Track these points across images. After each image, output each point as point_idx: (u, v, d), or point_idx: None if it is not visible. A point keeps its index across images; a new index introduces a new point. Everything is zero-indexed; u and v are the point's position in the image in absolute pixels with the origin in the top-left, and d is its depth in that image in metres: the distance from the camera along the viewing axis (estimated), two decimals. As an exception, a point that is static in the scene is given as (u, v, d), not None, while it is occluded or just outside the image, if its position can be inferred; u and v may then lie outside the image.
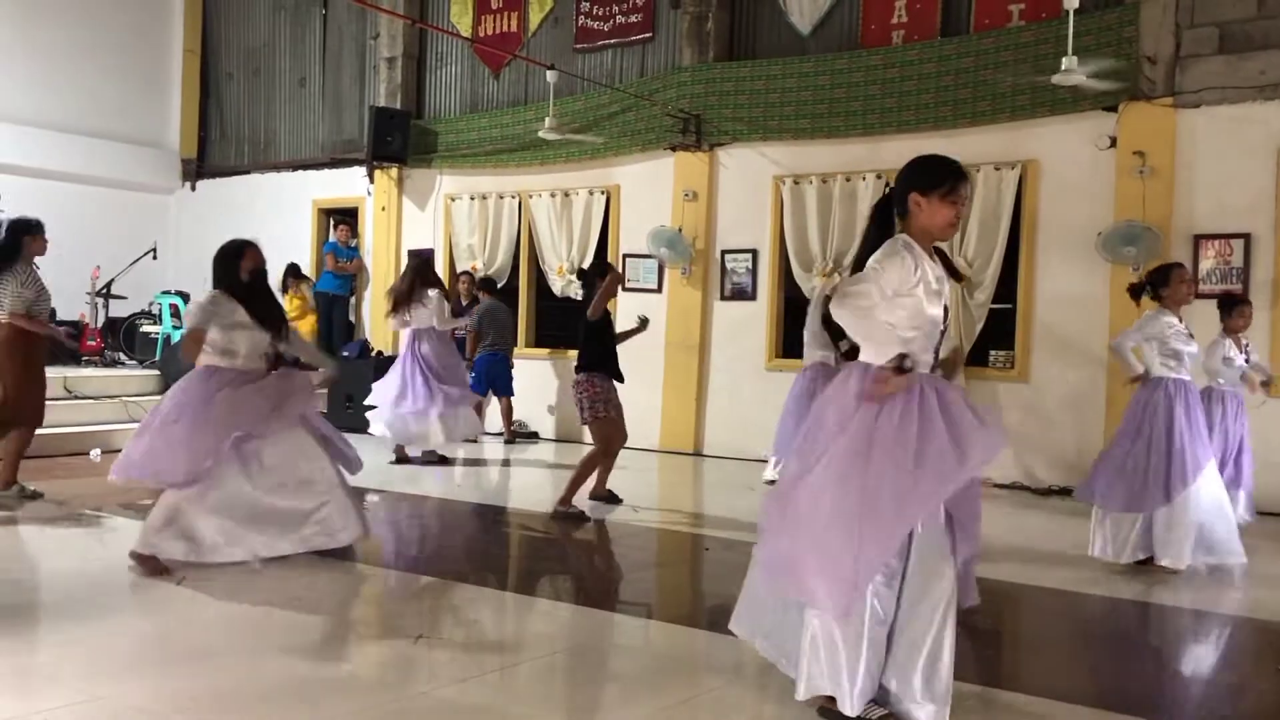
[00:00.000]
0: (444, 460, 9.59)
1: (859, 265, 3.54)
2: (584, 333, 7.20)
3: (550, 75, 10.50)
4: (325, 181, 13.91)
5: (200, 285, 7.49)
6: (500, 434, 11.45)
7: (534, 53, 11.88)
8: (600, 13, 11.80)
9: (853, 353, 3.60)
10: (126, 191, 14.49)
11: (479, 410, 10.40)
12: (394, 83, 13.11)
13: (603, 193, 11.67)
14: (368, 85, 13.56)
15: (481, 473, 9.64)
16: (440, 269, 11.90)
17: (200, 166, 15.15)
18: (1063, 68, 7.99)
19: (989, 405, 3.89)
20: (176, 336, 11.72)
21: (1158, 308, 6.14)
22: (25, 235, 7.04)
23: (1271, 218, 8.39)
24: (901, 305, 3.39)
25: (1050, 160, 9.28)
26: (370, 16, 13.26)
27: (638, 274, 11.37)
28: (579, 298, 9.04)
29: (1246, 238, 8.46)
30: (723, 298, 10.92)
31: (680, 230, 10.92)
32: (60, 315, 10.57)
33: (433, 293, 9.34)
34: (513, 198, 12.30)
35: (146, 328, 12.72)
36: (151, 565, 5.19)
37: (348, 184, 13.61)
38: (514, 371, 11.41)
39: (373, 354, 12.31)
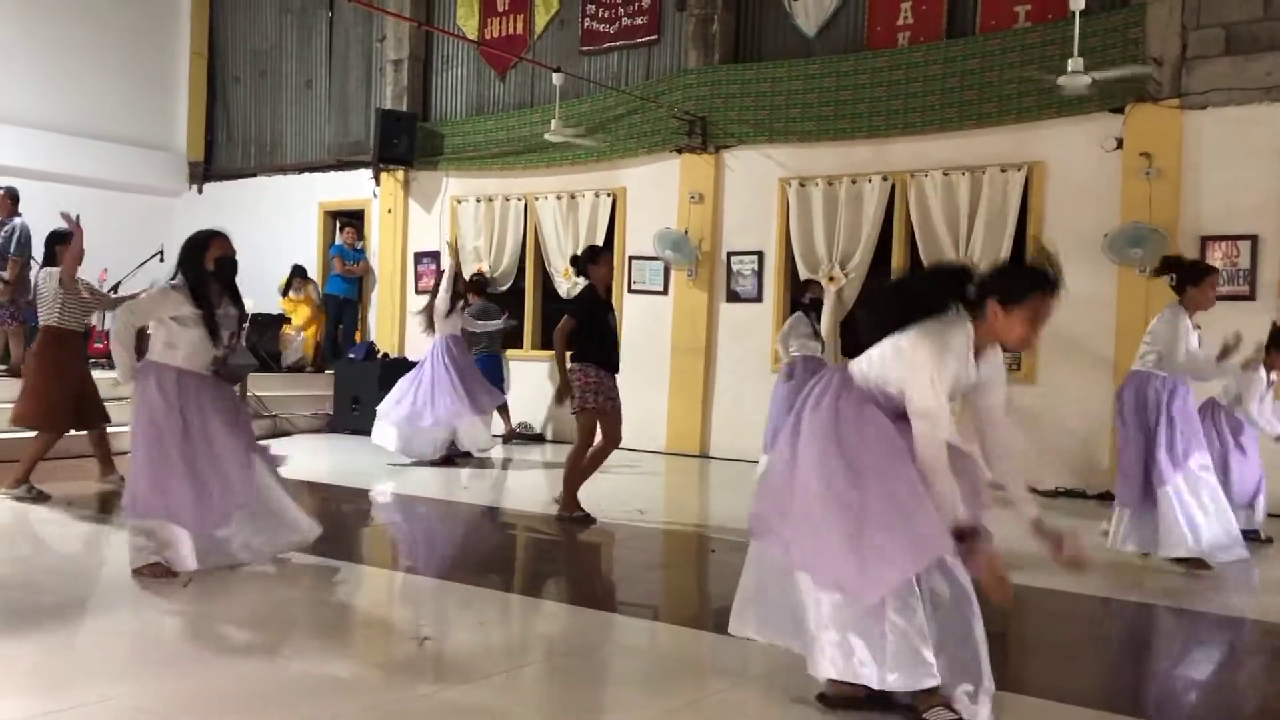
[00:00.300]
0: (448, 461, 9.61)
1: (883, 318, 3.42)
2: (576, 319, 6.83)
3: (556, 78, 10.51)
4: (331, 184, 13.93)
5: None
6: (500, 435, 11.47)
7: (540, 55, 11.89)
8: (606, 15, 11.81)
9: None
10: (133, 194, 14.50)
11: (503, 412, 10.97)
12: (400, 85, 13.13)
13: (608, 195, 11.67)
14: (374, 88, 13.58)
15: (485, 474, 9.64)
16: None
17: (207, 169, 15.19)
18: (1069, 69, 7.97)
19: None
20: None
21: (1176, 303, 5.98)
22: (58, 245, 7.43)
23: (1279, 219, 8.37)
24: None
25: (1057, 162, 9.27)
26: (376, 19, 13.29)
27: (643, 276, 11.38)
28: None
29: (1254, 239, 8.43)
30: (728, 300, 10.92)
31: (686, 232, 10.92)
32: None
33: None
34: (518, 200, 12.31)
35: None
36: (155, 568, 5.18)
37: (354, 186, 13.62)
38: (508, 372, 11.54)
39: (379, 356, 12.30)
